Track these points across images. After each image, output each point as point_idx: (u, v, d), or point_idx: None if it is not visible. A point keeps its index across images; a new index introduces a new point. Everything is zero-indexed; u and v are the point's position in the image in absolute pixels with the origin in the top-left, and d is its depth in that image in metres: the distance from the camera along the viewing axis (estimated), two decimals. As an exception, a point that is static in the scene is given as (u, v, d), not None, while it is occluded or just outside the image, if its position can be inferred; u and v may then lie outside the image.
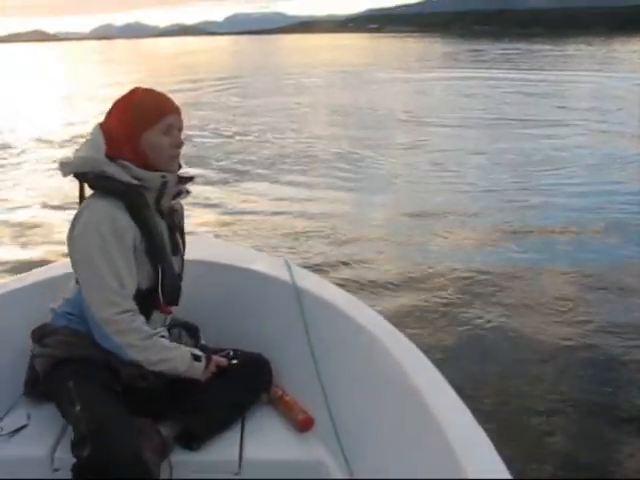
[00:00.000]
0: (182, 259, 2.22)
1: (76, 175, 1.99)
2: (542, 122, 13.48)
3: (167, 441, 2.06)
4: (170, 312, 2.19)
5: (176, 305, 2.21)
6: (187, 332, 2.38)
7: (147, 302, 2.05)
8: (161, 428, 2.07)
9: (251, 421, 2.27)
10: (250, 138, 12.42)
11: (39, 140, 12.49)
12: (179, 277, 2.18)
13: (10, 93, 23.46)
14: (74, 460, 1.84)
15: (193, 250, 2.45)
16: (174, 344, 2.09)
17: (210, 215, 7.14)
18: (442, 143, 11.48)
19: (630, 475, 2.97)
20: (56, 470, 2.01)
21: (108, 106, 2.06)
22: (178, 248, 2.18)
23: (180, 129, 2.07)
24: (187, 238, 2.29)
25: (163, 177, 2.02)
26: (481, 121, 13.91)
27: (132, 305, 1.98)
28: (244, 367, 2.28)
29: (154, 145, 2.00)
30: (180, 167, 2.13)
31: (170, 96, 2.10)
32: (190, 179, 2.16)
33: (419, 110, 16.03)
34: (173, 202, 2.15)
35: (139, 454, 1.84)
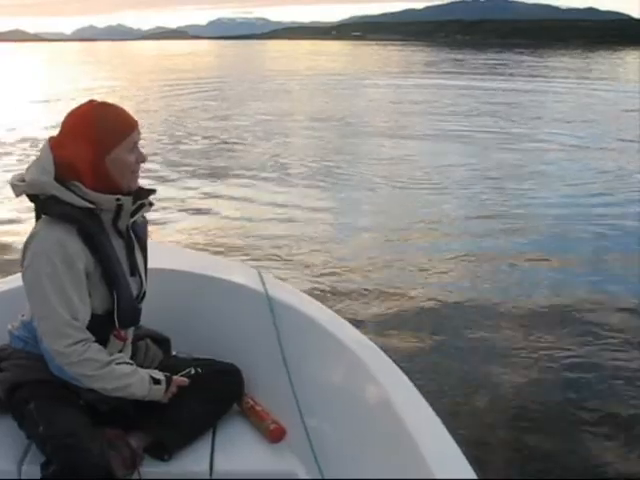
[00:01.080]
0: (141, 278, 2.13)
1: (28, 195, 1.92)
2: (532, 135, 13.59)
3: (137, 452, 2.03)
4: (125, 339, 2.11)
5: (135, 325, 2.18)
6: (156, 343, 2.35)
7: (104, 327, 2.00)
8: (131, 439, 2.04)
9: (222, 431, 2.25)
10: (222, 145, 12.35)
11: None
12: (137, 298, 2.11)
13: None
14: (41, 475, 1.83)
15: (167, 260, 2.41)
16: (132, 368, 2.02)
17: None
18: (423, 153, 11.51)
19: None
20: None
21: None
22: (136, 268, 2.09)
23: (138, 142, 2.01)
24: (161, 247, 2.26)
25: (118, 200, 1.94)
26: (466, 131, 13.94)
27: (85, 335, 1.91)
28: (215, 377, 2.26)
29: (120, 163, 1.93)
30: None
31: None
32: (152, 192, 2.09)
33: (399, 118, 16.12)
34: (139, 214, 2.07)
35: (107, 467, 1.84)
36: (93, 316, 1.95)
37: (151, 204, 2.10)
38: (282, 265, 5.65)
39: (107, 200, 1.92)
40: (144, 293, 2.16)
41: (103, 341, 2.00)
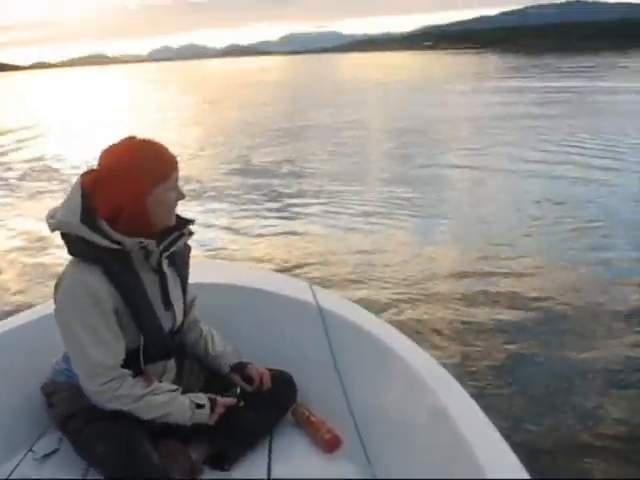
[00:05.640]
0: (175, 311, 2.11)
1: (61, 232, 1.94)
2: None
3: (196, 464, 2.07)
4: (151, 380, 2.03)
5: (169, 359, 2.16)
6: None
7: (135, 362, 1.99)
8: (190, 451, 2.07)
9: (279, 441, 2.27)
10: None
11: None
12: (172, 331, 2.12)
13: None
14: None
15: (218, 275, 2.46)
16: (171, 396, 2.01)
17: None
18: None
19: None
20: None
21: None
22: (170, 303, 2.08)
23: None
24: (212, 263, 2.27)
25: (141, 243, 1.92)
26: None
27: (117, 372, 1.93)
28: (270, 385, 2.27)
29: (160, 203, 1.92)
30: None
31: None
32: (190, 222, 2.08)
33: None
34: (174, 247, 2.05)
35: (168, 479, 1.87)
36: (126, 353, 1.96)
37: (191, 233, 2.10)
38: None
39: (131, 243, 1.91)
40: (181, 325, 2.17)
41: (138, 374, 2.00)
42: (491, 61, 70.71)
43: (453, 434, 1.76)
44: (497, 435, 1.75)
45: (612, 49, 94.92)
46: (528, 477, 1.57)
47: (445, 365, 2.18)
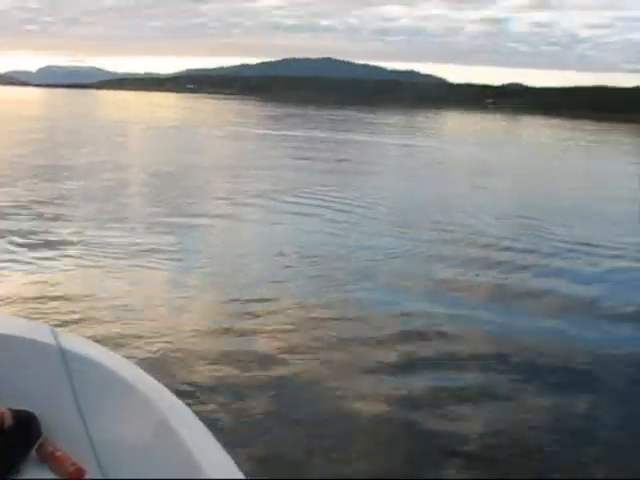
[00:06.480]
0: None
1: None
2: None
3: None
4: None
5: None
6: None
7: None
8: None
9: (25, 477, 2.39)
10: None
11: None
12: None
13: None
14: None
15: None
16: None
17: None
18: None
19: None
20: None
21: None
22: None
23: None
24: None
25: None
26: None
27: None
28: (12, 424, 2.40)
29: None
30: None
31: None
32: None
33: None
34: None
35: None
36: None
37: None
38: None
39: None
40: None
41: None
42: (251, 108, 73.55)
43: (186, 460, 2.06)
44: (222, 452, 2.08)
45: (361, 104, 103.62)
46: None
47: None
